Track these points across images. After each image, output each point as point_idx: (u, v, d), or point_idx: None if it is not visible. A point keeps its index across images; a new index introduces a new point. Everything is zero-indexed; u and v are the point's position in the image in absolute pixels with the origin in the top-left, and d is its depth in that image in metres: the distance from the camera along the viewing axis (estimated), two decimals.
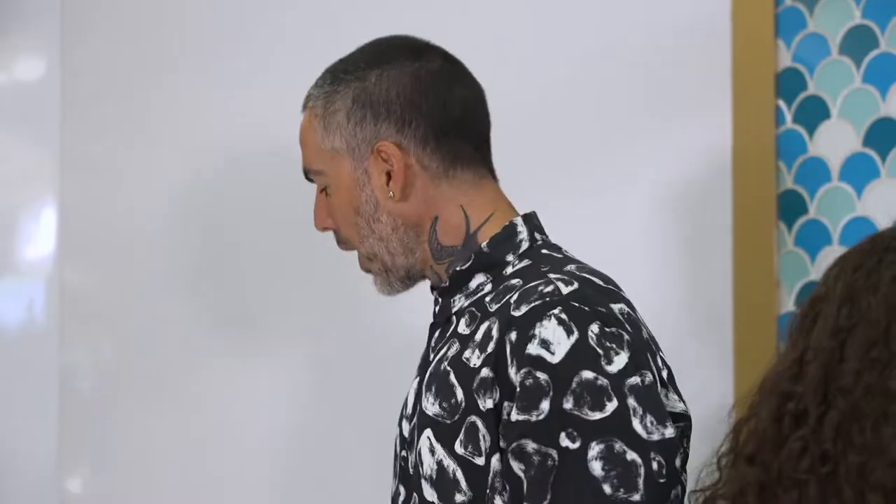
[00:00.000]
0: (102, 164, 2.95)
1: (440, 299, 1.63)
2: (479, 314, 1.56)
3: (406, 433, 1.62)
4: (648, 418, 1.42)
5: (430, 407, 1.55)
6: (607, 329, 1.47)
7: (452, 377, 1.53)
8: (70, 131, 2.96)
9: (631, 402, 1.43)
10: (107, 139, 2.93)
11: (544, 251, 1.61)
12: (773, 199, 2.05)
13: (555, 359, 1.44)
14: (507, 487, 1.48)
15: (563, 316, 1.46)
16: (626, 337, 1.48)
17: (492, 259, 1.59)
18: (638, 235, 2.17)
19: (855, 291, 1.00)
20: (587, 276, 1.54)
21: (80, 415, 2.98)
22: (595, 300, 1.50)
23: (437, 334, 1.62)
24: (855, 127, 1.98)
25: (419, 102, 1.60)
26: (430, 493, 1.53)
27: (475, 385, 1.50)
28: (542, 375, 1.44)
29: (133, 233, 2.92)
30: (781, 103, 2.05)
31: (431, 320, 1.65)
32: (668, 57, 2.15)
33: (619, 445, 1.40)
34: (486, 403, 1.48)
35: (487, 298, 1.57)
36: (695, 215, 2.14)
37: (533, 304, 1.48)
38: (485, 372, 1.49)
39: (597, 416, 1.42)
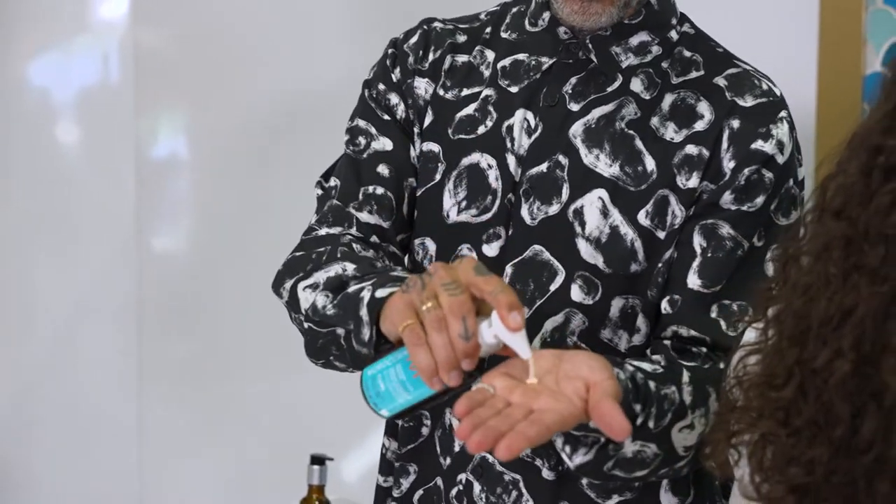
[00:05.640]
0: None
1: (591, 46, 1.55)
2: (658, 80, 1.53)
3: (517, 175, 1.54)
4: None
5: (605, 167, 1.51)
6: (797, 139, 1.52)
7: (639, 143, 1.51)
8: None
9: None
10: None
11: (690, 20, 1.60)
12: None
13: (781, 161, 1.48)
14: (675, 255, 1.50)
15: (790, 120, 1.50)
16: (800, 150, 1.53)
17: (659, 18, 1.56)
18: None
19: None
20: None
21: (156, 174, 3.00)
22: None
23: (574, 80, 1.55)
24: None
25: None
26: (590, 253, 1.50)
27: (676, 160, 1.50)
28: (768, 174, 1.48)
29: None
30: None
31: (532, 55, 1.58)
32: None
33: None
34: (689, 182, 1.49)
35: (664, 65, 1.54)
36: None
37: (760, 100, 1.50)
38: (691, 149, 1.50)
39: (783, 222, 1.48)
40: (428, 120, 1.60)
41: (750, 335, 1.05)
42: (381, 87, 1.63)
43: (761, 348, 1.00)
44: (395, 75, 1.63)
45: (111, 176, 3.00)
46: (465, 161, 1.56)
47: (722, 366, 1.39)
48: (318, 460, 2.16)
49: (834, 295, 0.94)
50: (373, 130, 1.62)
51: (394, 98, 1.62)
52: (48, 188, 3.02)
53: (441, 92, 1.60)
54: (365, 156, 1.61)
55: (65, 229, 3.02)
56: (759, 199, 1.48)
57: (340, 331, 1.42)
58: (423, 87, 1.61)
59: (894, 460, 0.88)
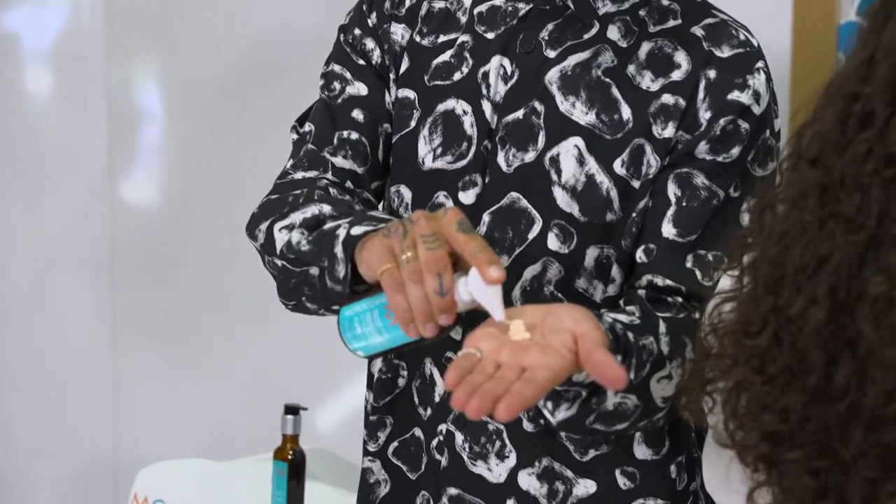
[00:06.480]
0: None
1: None
2: (635, 28, 1.52)
3: (493, 122, 1.53)
4: None
5: (581, 115, 1.50)
6: (774, 90, 1.51)
7: (615, 91, 1.50)
8: None
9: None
10: None
11: None
12: None
13: (758, 111, 1.47)
14: (650, 204, 1.49)
15: (766, 71, 1.49)
16: (777, 100, 1.53)
17: None
18: None
19: None
20: None
21: (128, 123, 2.99)
22: None
23: (551, 26, 1.54)
24: None
25: None
26: (565, 201, 1.50)
27: (652, 109, 1.49)
28: (744, 125, 1.47)
29: None
30: None
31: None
32: None
33: None
34: (665, 131, 1.48)
35: (641, 13, 1.53)
36: None
37: (738, 51, 1.50)
38: (668, 98, 1.49)
39: (760, 173, 1.48)
40: (404, 66, 1.59)
41: (725, 283, 1.05)
42: (357, 31, 1.62)
43: (736, 296, 1.00)
44: (372, 20, 1.61)
45: (83, 124, 2.98)
46: (441, 107, 1.56)
47: (697, 316, 1.40)
48: (292, 410, 2.16)
49: (809, 243, 0.94)
50: (348, 75, 1.61)
51: (370, 43, 1.61)
52: (19, 137, 3.00)
53: (417, 38, 1.59)
54: (339, 101, 1.60)
55: (36, 178, 3.01)
56: (735, 150, 1.47)
57: (314, 271, 1.41)
58: (399, 32, 1.60)
59: (868, 408, 0.88)
